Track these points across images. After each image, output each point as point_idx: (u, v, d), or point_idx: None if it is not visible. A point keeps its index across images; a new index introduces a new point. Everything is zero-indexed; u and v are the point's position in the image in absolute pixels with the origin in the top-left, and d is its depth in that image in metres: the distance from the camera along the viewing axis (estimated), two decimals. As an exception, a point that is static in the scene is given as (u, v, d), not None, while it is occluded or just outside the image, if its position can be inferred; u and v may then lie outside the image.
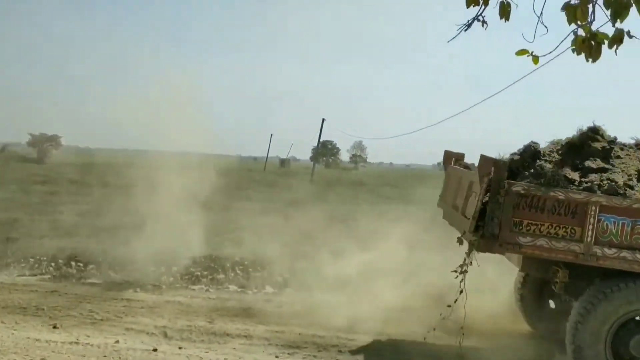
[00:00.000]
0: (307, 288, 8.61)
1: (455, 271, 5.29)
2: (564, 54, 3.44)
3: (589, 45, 3.20)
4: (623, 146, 5.84)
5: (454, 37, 3.68)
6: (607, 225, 4.89)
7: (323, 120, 35.96)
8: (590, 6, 3.13)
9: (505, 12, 3.41)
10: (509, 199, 4.92)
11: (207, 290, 8.37)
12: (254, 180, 25.59)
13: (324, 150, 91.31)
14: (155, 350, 5.87)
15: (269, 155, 51.43)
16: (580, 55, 3.24)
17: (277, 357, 5.88)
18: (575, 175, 5.26)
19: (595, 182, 5.15)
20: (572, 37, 3.27)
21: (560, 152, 5.78)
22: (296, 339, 6.38)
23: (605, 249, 4.89)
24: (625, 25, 3.06)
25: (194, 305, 7.55)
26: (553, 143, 5.99)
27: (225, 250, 9.97)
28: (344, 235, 10.90)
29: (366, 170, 71.53)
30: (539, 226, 4.94)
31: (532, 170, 5.32)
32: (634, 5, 3.00)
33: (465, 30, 3.56)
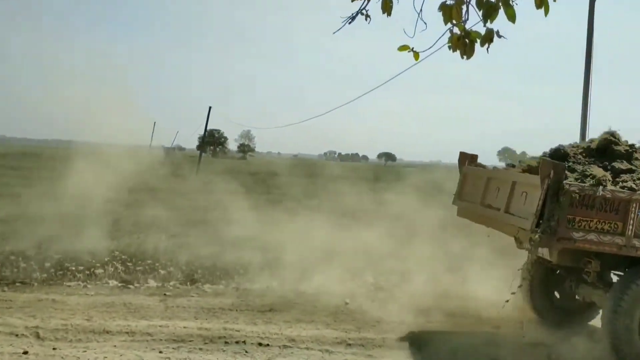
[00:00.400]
0: (192, 280, 8.45)
1: (522, 269, 5.74)
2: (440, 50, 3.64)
3: (463, 43, 3.43)
4: (636, 148, 6.45)
5: (338, 29, 3.76)
6: None
7: (210, 108, 35.41)
8: (464, 7, 3.34)
9: (387, 7, 3.53)
10: (565, 198, 5.33)
11: (85, 286, 7.91)
12: (135, 170, 24.53)
13: (211, 139, 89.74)
14: (26, 353, 5.45)
15: (152, 144, 49.60)
16: (455, 52, 3.46)
17: (161, 352, 5.69)
18: (608, 176, 5.78)
19: (629, 182, 5.69)
20: (448, 34, 3.47)
21: (584, 154, 6.30)
22: (181, 333, 6.21)
23: None
24: (495, 25, 3.32)
25: (70, 302, 7.10)
26: (573, 146, 6.52)
27: (103, 243, 9.47)
28: (230, 225, 10.81)
29: (254, 160, 71.36)
30: (589, 222, 5.41)
31: (578, 172, 5.85)
32: (502, 7, 3.26)
33: (350, 22, 3.65)
